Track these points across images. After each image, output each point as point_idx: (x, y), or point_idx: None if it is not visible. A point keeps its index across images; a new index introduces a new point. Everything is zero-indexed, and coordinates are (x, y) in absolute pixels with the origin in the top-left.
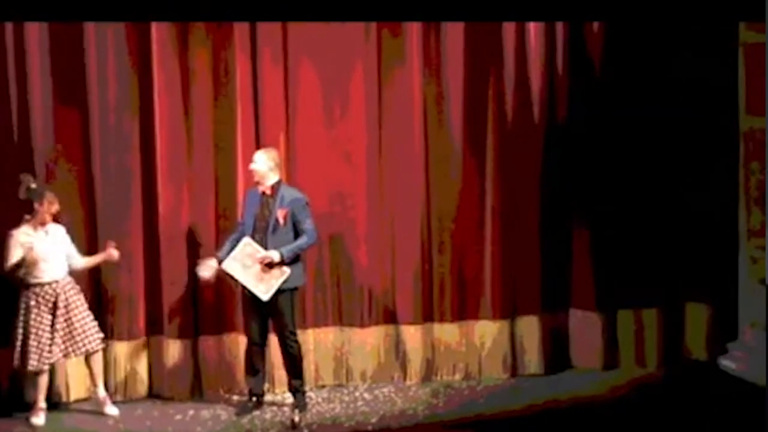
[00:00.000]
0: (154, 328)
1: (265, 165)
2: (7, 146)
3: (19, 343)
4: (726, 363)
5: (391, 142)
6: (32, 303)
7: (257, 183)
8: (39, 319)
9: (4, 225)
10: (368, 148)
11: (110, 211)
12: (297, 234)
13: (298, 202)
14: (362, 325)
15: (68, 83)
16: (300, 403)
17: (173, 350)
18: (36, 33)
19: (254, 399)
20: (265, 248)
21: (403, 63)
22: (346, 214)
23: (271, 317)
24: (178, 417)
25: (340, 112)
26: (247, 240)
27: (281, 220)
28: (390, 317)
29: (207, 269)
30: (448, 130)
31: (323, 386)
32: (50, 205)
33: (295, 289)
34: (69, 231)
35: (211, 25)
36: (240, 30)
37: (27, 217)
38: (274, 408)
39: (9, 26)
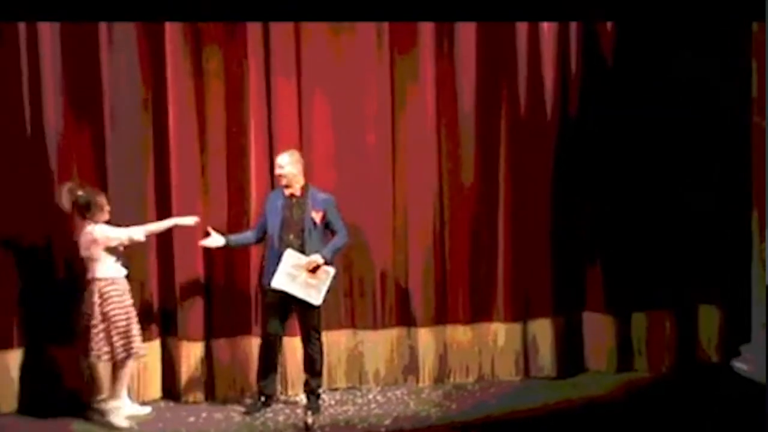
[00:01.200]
0: (167, 329)
1: (294, 168)
2: (21, 147)
3: (100, 334)
4: (739, 365)
5: (404, 143)
6: (112, 293)
7: (286, 186)
8: (119, 309)
9: (18, 226)
10: (381, 149)
11: (124, 213)
12: (327, 233)
13: (330, 201)
14: (375, 327)
15: (81, 85)
16: (313, 405)
17: (187, 352)
18: (48, 34)
19: (263, 399)
20: (303, 251)
21: (416, 65)
22: (359, 218)
23: (298, 315)
24: (191, 419)
25: (354, 116)
26: (288, 251)
27: (318, 222)
28: (403, 319)
29: (214, 241)
30: (460, 132)
31: (336, 388)
32: (103, 208)
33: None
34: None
35: (224, 28)
36: (253, 35)
37: (85, 222)
38: (287, 410)
39: (22, 26)
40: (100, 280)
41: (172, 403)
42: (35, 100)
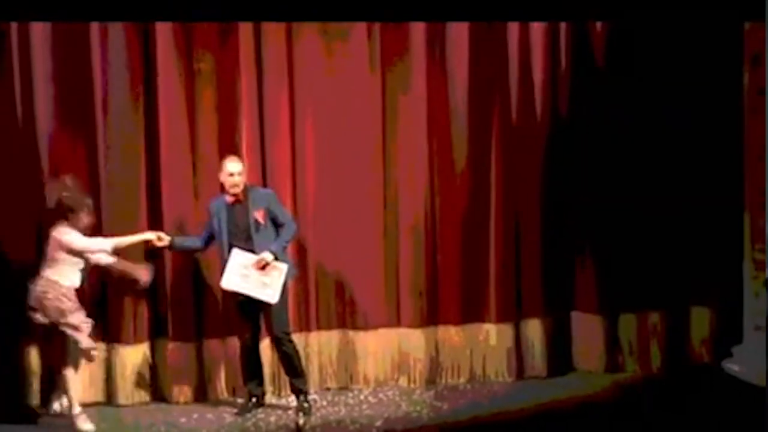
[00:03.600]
0: (158, 331)
1: (244, 175)
2: (12, 147)
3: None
4: (730, 366)
5: (396, 144)
6: (48, 295)
7: (234, 193)
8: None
9: (8, 226)
10: (372, 150)
11: (115, 214)
12: (276, 228)
13: (271, 197)
14: (366, 328)
15: (73, 86)
16: (303, 406)
17: (178, 353)
18: (40, 34)
19: (254, 400)
20: (252, 251)
21: (408, 68)
22: (351, 220)
23: (264, 317)
24: (183, 420)
25: (346, 118)
26: (235, 251)
27: (261, 221)
28: (394, 320)
29: (160, 242)
30: (452, 133)
31: (328, 389)
32: (89, 213)
33: (284, 284)
34: None
35: (216, 31)
36: (245, 39)
37: (64, 222)
38: (279, 411)
39: (14, 26)
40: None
41: (163, 404)
42: (27, 101)
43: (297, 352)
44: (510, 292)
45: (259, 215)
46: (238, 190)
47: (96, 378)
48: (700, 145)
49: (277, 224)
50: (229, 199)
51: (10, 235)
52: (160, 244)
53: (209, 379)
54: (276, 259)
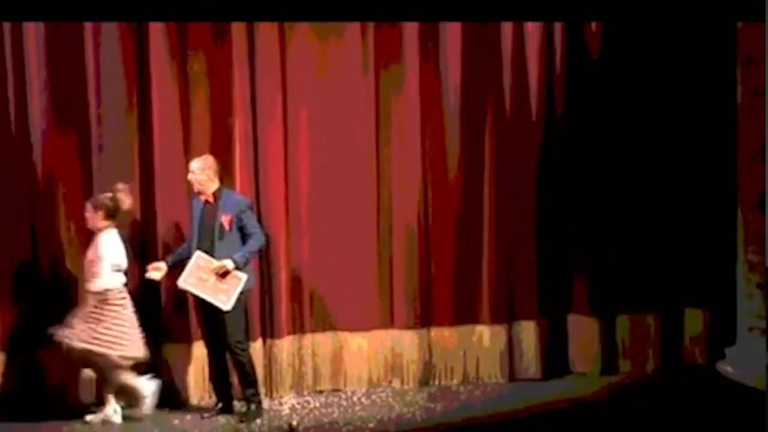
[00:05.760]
0: (155, 331)
1: (203, 174)
2: (6, 148)
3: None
4: (724, 367)
5: (390, 146)
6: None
7: (198, 192)
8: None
9: (2, 228)
10: (366, 151)
11: None
12: (243, 238)
13: (242, 205)
14: (360, 330)
15: (66, 86)
16: (246, 411)
17: (173, 355)
18: (33, 34)
19: (219, 405)
20: (213, 256)
21: (401, 68)
22: (344, 220)
23: (219, 325)
24: (176, 422)
25: (339, 119)
26: (198, 253)
27: (226, 226)
28: (387, 322)
29: (156, 272)
30: (446, 134)
31: (321, 391)
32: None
33: (242, 293)
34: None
35: (209, 31)
36: (238, 39)
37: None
38: (271, 413)
39: (7, 26)
40: None
41: (157, 409)
42: (20, 101)
43: (251, 362)
44: (503, 293)
45: (225, 220)
46: (195, 188)
47: (91, 380)
48: (694, 146)
49: (244, 233)
50: (201, 198)
51: (6, 235)
52: (158, 276)
53: (203, 380)
54: (237, 268)
